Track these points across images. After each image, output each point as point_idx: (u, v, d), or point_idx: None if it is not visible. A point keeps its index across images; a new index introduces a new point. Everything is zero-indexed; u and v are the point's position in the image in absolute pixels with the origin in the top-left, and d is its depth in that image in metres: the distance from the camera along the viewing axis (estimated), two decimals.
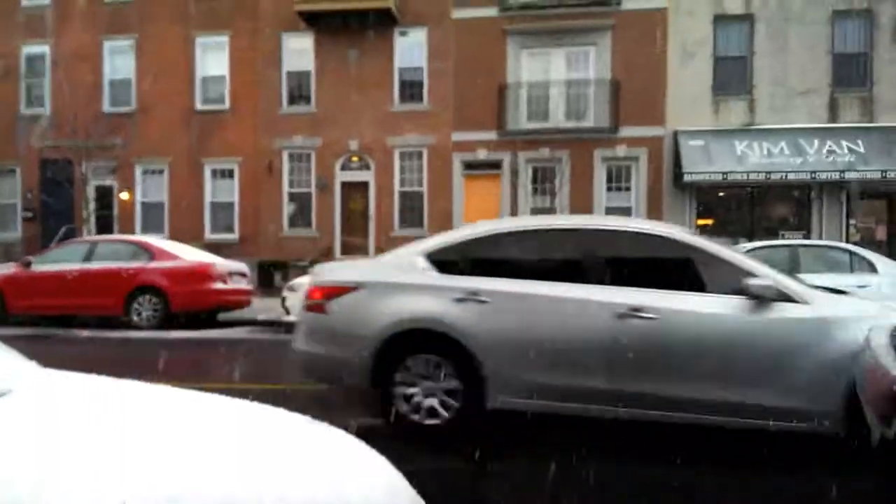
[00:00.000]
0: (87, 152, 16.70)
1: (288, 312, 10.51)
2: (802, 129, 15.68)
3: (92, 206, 17.49)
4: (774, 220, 16.33)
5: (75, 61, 18.27)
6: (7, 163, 18.97)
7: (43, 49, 18.93)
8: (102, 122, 17.50)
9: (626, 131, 16.45)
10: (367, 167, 17.66)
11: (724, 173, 15.21)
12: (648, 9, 16.38)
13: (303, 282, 10.67)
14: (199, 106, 18.25)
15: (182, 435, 1.59)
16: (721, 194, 16.49)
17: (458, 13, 17.06)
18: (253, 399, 2.14)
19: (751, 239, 15.73)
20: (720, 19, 16.29)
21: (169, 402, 1.89)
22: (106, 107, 18.49)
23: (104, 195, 18.49)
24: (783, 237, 15.72)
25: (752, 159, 15.33)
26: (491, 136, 16.96)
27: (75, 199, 17.79)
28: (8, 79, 18.31)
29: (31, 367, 2.02)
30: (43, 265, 11.30)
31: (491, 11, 16.92)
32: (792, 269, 9.19)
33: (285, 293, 10.67)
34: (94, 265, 11.03)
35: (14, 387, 1.73)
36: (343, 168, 17.80)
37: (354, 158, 17.73)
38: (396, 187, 17.50)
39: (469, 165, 17.22)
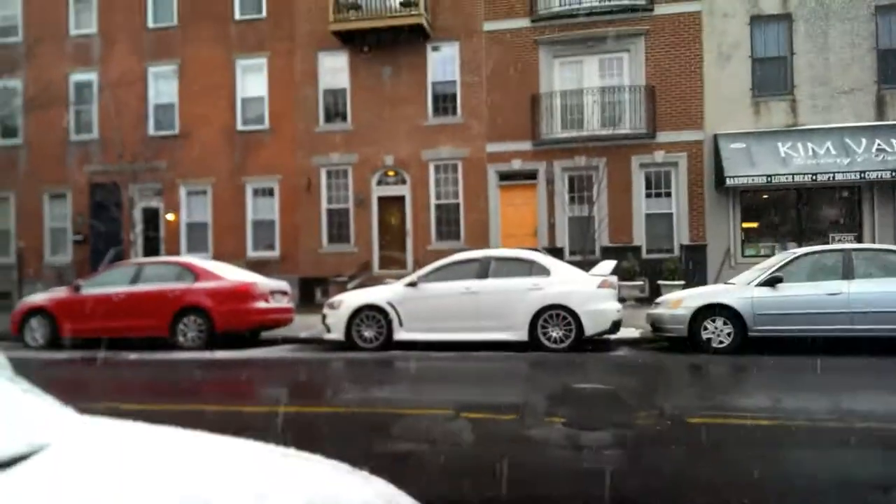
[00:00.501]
0: (134, 175, 17.21)
1: (328, 330, 10.61)
2: (849, 129, 15.15)
3: (139, 228, 18.01)
4: (824, 223, 15.80)
5: (121, 87, 18.87)
6: (58, 187, 19.70)
7: (90, 76, 19.65)
8: (148, 146, 18.03)
9: (664, 136, 16.18)
10: (403, 181, 17.77)
11: (768, 176, 14.79)
12: (682, 12, 16.11)
13: (342, 299, 10.77)
14: (239, 126, 18.68)
15: (209, 483, 1.62)
16: (766, 197, 16.06)
17: (489, 25, 17.08)
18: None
19: (800, 242, 15.28)
20: (757, 20, 15.91)
21: (202, 451, 1.88)
22: (151, 130, 19.07)
23: (151, 217, 19.03)
24: (834, 240, 15.23)
25: (796, 161, 14.88)
26: (525, 146, 16.88)
27: (123, 222, 18.34)
28: (58, 106, 18.98)
29: (69, 415, 2.02)
30: (92, 288, 11.61)
31: (522, 22, 16.88)
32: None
33: (325, 310, 10.77)
34: (141, 287, 11.29)
35: (52, 439, 1.70)
36: (379, 183, 17.95)
37: (390, 173, 17.87)
38: (432, 200, 17.55)
39: (504, 176, 17.16)
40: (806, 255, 9.48)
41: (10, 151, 20.03)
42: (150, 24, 19.24)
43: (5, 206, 20.17)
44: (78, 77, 19.71)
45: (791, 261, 9.33)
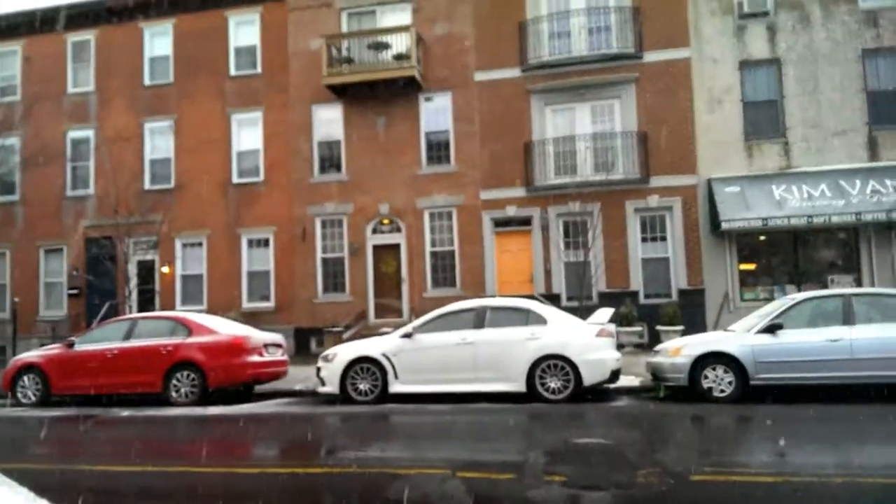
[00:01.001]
0: (129, 229, 17.21)
1: (323, 383, 10.42)
2: (842, 171, 15.24)
3: (134, 282, 17.90)
4: (822, 265, 15.75)
5: (117, 143, 19.09)
6: (54, 242, 19.71)
7: (87, 133, 19.88)
8: (143, 200, 18.12)
9: (658, 181, 16.26)
10: (398, 230, 17.77)
11: (763, 219, 14.80)
12: (671, 59, 16.40)
13: (336, 351, 10.60)
14: (235, 179, 18.79)
15: None
16: (762, 240, 16.03)
17: (481, 76, 17.37)
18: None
19: (799, 285, 15.19)
20: (746, 65, 16.20)
21: None
22: (147, 185, 19.18)
23: (146, 270, 18.96)
24: (832, 282, 15.16)
25: (791, 203, 14.92)
26: (519, 192, 16.96)
27: (118, 276, 18.25)
28: (55, 163, 19.16)
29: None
30: (85, 345, 11.46)
31: (513, 72, 17.17)
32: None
33: (320, 363, 10.60)
34: (134, 343, 11.15)
35: None
36: (374, 232, 17.96)
37: (385, 222, 17.89)
38: (427, 248, 17.53)
39: (499, 223, 17.19)
40: (806, 300, 9.37)
41: (6, 207, 20.11)
42: (147, 82, 19.55)
43: (1, 261, 20.13)
44: (75, 134, 19.93)
45: (791, 307, 9.22)
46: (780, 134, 15.93)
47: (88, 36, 20.04)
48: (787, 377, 8.81)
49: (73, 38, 20.14)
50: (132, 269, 17.97)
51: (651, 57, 16.50)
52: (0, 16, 20.38)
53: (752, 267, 16.10)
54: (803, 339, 8.84)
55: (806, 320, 9.08)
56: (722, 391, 8.88)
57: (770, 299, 14.11)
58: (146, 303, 18.51)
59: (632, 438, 7.32)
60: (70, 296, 19.48)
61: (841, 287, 14.60)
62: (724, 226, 14.98)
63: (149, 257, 18.92)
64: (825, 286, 14.96)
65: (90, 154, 19.76)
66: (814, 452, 6.29)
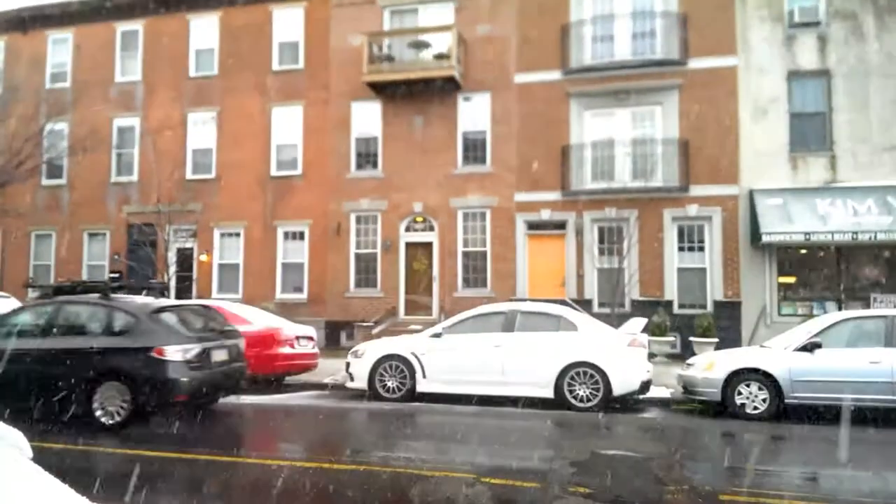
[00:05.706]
0: (170, 217, 17.59)
1: (352, 378, 10.52)
2: (891, 187, 14.73)
3: (172, 269, 18.29)
4: (865, 283, 15.28)
5: (161, 132, 19.53)
6: (97, 227, 20.25)
7: (133, 121, 20.36)
8: (185, 189, 18.49)
9: (698, 190, 15.97)
10: (431, 228, 17.81)
11: (806, 233, 14.42)
12: (717, 67, 16.06)
13: (366, 348, 10.69)
14: (273, 172, 19.05)
15: None
16: (804, 254, 15.62)
17: (521, 78, 17.26)
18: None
19: (840, 302, 14.79)
20: (794, 75, 15.78)
21: None
22: (188, 174, 19.56)
23: (185, 257, 19.36)
24: (875, 301, 14.72)
25: (836, 218, 14.51)
26: (555, 196, 16.83)
27: (158, 262, 18.67)
28: (101, 149, 19.66)
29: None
30: None
31: (554, 75, 17.03)
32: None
33: (349, 359, 10.70)
34: None
35: None
36: (407, 229, 18.02)
37: (419, 220, 17.94)
38: (460, 248, 17.52)
39: (533, 226, 17.08)
40: (846, 320, 9.11)
41: (53, 191, 20.73)
42: (192, 74, 19.92)
43: (47, 242, 20.77)
44: (121, 122, 20.43)
45: (831, 325, 8.97)
46: (827, 147, 15.49)
47: (137, 26, 20.53)
48: (824, 397, 8.58)
49: (123, 27, 20.64)
50: (171, 257, 18.36)
51: (696, 64, 16.19)
52: (54, 3, 21.00)
53: (791, 281, 15.71)
54: (842, 360, 8.60)
55: (846, 340, 8.83)
56: (755, 408, 8.70)
57: (809, 315, 13.76)
58: (184, 290, 18.91)
59: (660, 452, 7.23)
60: (111, 279, 19.96)
61: (884, 307, 14.18)
62: (765, 238, 14.64)
63: (188, 245, 19.31)
64: (867, 305, 14.53)
65: (135, 142, 20.25)
66: (850, 476, 6.11)
